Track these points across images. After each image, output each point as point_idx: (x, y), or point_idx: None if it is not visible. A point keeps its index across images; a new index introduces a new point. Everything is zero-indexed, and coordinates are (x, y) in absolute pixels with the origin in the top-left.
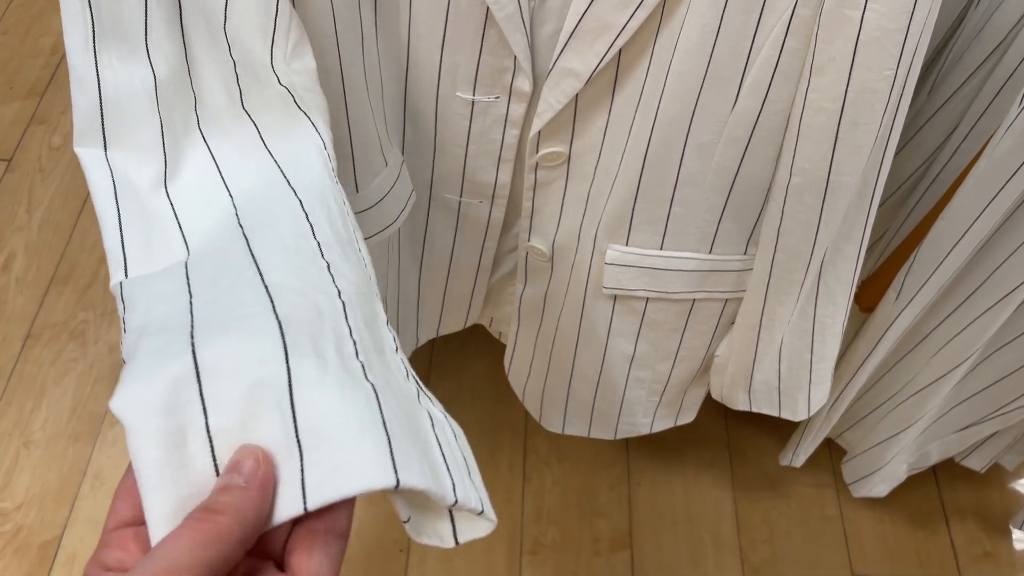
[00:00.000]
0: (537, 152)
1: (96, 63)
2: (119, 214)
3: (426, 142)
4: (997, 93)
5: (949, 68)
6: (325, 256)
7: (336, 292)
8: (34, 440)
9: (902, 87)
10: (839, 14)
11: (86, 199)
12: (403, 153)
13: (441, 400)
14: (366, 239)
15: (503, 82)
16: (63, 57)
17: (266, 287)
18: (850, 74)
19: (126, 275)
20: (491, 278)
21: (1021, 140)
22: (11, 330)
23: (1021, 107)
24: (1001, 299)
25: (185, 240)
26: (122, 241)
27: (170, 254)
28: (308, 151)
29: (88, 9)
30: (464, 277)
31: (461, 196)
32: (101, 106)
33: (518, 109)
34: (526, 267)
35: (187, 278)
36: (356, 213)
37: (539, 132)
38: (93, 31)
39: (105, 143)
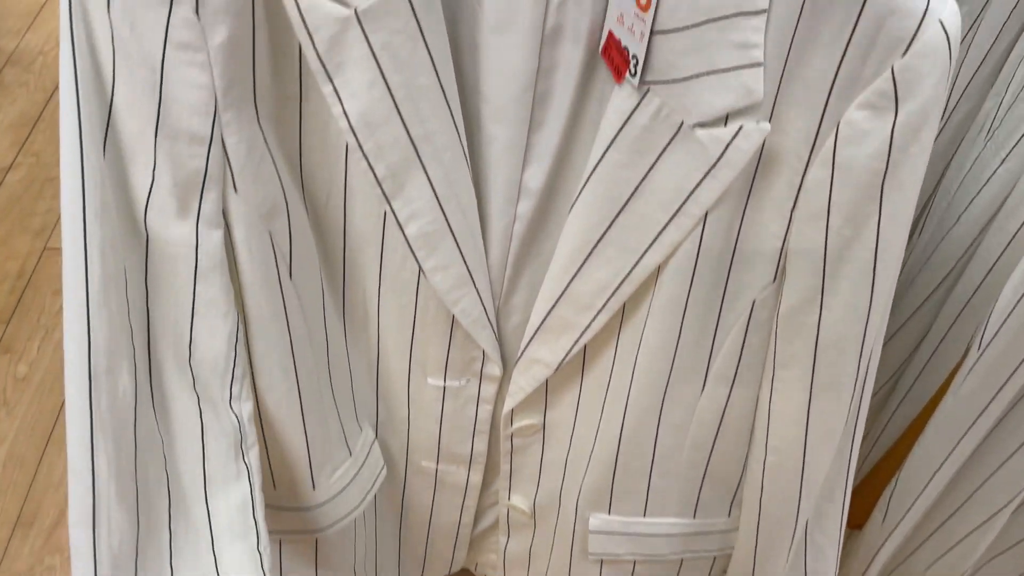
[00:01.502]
0: (511, 425)
1: (93, 465)
2: None
3: (400, 420)
4: (954, 320)
5: (903, 290)
6: None
7: None
8: None
9: (865, 374)
10: (796, 320)
11: (52, 430)
12: (377, 429)
13: None
14: (324, 530)
15: (473, 368)
16: (28, 282)
17: None
18: (813, 370)
19: None
20: (473, 531)
21: (984, 381)
22: None
23: (981, 350)
24: (984, 522)
25: None
26: None
27: None
28: None
29: (88, 407)
30: (445, 533)
31: (438, 464)
32: (94, 496)
33: (489, 389)
34: (508, 521)
35: None
36: (312, 508)
37: (512, 408)
38: (91, 428)
39: (95, 532)
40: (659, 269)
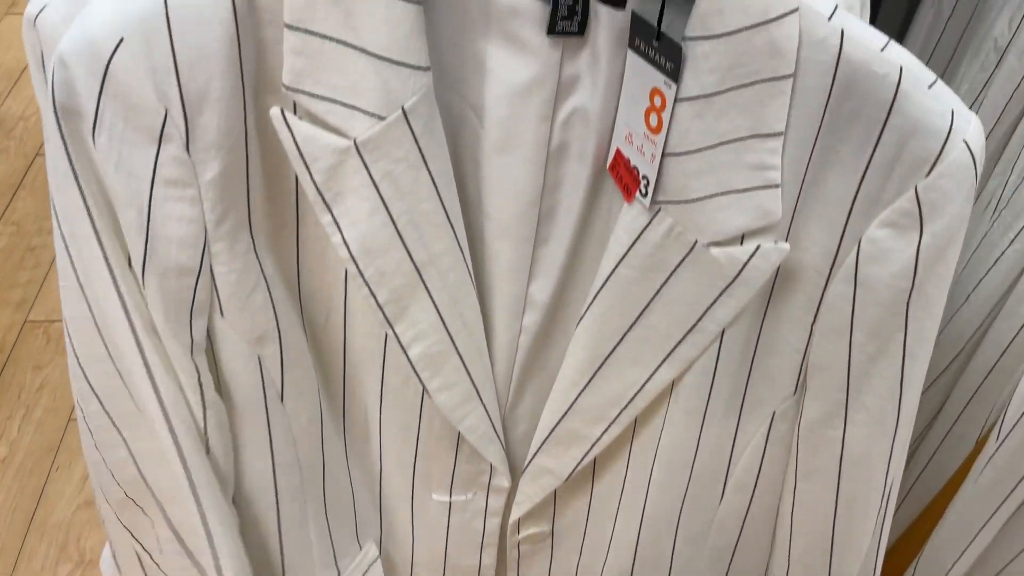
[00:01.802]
0: (519, 534)
1: None
2: None
3: (403, 536)
4: (968, 402)
5: None
6: None
7: None
8: None
9: (891, 485)
10: (818, 433)
11: (33, 515)
12: (380, 543)
13: None
14: None
15: (480, 482)
16: (8, 357)
17: None
18: (838, 485)
19: None
20: None
21: (1003, 473)
22: None
23: (999, 442)
24: None
25: None
26: None
27: None
28: None
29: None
30: None
31: None
32: None
33: (497, 501)
34: None
35: None
36: None
37: (519, 517)
38: None
39: None
40: (674, 383)
